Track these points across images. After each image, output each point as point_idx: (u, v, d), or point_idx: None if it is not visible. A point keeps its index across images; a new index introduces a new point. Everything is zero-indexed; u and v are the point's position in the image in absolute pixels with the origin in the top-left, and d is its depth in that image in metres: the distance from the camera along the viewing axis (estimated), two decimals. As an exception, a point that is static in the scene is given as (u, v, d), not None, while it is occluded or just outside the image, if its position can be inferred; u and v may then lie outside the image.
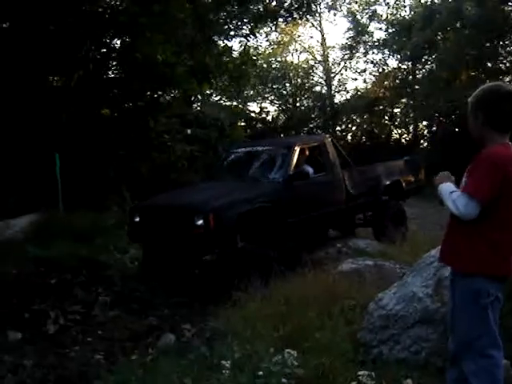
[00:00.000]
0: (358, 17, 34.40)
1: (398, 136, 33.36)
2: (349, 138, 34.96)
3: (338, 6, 35.61)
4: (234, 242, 7.86)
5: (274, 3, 16.22)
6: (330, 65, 37.03)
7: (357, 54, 35.19)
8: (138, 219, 8.58)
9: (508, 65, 25.91)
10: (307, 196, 9.06)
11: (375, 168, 11.31)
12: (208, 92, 23.77)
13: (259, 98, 37.51)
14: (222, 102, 28.50)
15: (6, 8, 13.08)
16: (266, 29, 27.69)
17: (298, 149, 9.36)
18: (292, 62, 38.26)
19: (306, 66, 38.05)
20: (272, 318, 5.46)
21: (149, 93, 16.18)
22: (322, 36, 36.42)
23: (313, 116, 36.12)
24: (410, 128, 32.58)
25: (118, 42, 16.11)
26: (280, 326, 5.16)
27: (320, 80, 37.67)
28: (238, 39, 18.80)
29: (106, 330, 6.51)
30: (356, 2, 35.00)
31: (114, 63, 16.44)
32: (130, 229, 8.89)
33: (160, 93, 16.69)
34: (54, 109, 14.36)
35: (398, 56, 31.44)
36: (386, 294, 5.07)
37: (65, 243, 9.08)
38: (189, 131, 16.91)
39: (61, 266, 8.44)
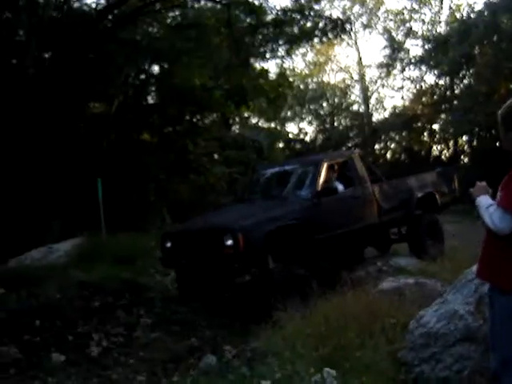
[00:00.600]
0: (394, 34, 34.38)
1: (437, 152, 33.03)
2: (388, 155, 34.75)
3: (373, 25, 35.64)
4: (265, 262, 7.83)
5: (308, 24, 16.27)
6: (367, 83, 37.03)
7: (393, 72, 35.11)
8: (169, 245, 8.57)
9: (546, 77, 25.52)
10: (336, 212, 8.96)
11: (407, 181, 11.01)
12: (246, 114, 23.95)
13: (297, 119, 37.68)
14: (259, 124, 28.67)
15: (48, 38, 13.45)
16: (301, 50, 27.90)
17: (325, 165, 9.23)
18: (329, 82, 38.40)
19: (342, 86, 38.10)
20: (312, 337, 5.44)
21: (187, 117, 16.42)
22: (358, 55, 36.49)
23: (351, 135, 36.07)
24: (450, 144, 32.22)
25: (156, 68, 16.44)
26: (320, 346, 5.13)
27: (357, 99, 37.68)
28: (275, 61, 18.94)
29: (147, 352, 6.55)
30: (391, 20, 34.98)
31: (153, 89, 16.74)
32: (163, 255, 8.85)
33: (198, 116, 16.92)
34: (95, 135, 14.72)
35: (436, 72, 31.21)
36: (427, 312, 5.01)
37: (107, 266, 9.22)
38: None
39: (103, 288, 8.56)
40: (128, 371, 5.99)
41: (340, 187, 9.34)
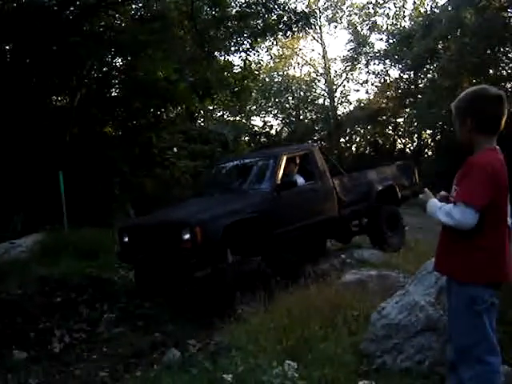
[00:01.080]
0: (359, 28, 34.69)
1: (402, 146, 33.42)
2: (353, 148, 35.05)
3: (338, 19, 35.85)
4: (224, 256, 7.76)
5: (273, 17, 16.25)
6: (332, 77, 37.27)
7: (358, 66, 35.46)
8: (126, 239, 8.40)
9: (510, 71, 25.94)
10: (296, 205, 8.88)
11: (367, 174, 11.09)
12: (211, 108, 23.88)
13: (262, 113, 37.77)
14: (225, 117, 28.61)
15: (8, 29, 13.20)
16: (266, 43, 27.83)
17: (284, 158, 9.17)
18: (294, 76, 38.55)
19: (308, 79, 38.30)
20: (275, 330, 5.46)
21: (151, 110, 16.27)
22: (323, 49, 36.75)
23: (316, 128, 36.29)
24: (414, 137, 32.60)
25: (120, 60, 16.25)
26: (283, 339, 5.15)
27: (322, 92, 37.92)
28: (239, 54, 18.88)
29: (110, 347, 6.51)
30: (356, 14, 35.25)
31: (116, 82, 16.56)
32: (120, 249, 8.67)
33: (163, 110, 16.79)
34: (57, 128, 14.50)
35: (400, 66, 31.57)
36: (389, 304, 5.05)
37: (69, 261, 9.09)
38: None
39: (66, 284, 8.44)
40: (91, 367, 5.95)
41: (300, 180, 9.33)
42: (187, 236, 7.35)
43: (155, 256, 7.86)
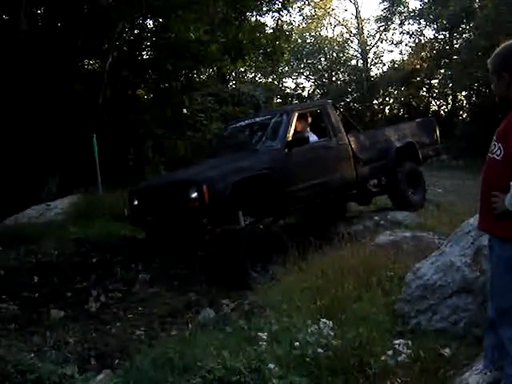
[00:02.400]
0: (393, -13, 33.83)
1: (436, 107, 32.88)
2: (386, 110, 34.61)
3: (372, -23, 35.08)
4: (235, 218, 7.64)
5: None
6: (366, 37, 36.65)
7: (392, 26, 34.77)
8: (136, 202, 8.34)
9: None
10: (309, 162, 8.63)
11: (385, 131, 10.82)
12: (242, 69, 23.72)
13: (294, 74, 37.43)
14: (256, 79, 28.42)
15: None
16: (298, 3, 27.52)
17: (296, 114, 8.92)
18: (327, 36, 38.02)
19: (340, 40, 37.75)
20: (309, 290, 5.48)
21: (183, 72, 16.20)
22: (357, 8, 36.11)
23: (349, 90, 35.80)
24: (449, 99, 32.04)
25: (151, 22, 16.17)
26: (317, 299, 5.17)
27: (355, 53, 37.37)
28: (271, 15, 18.65)
29: (146, 307, 6.58)
30: (391, -27, 34.38)
31: (148, 44, 16.51)
32: (130, 213, 8.56)
33: (194, 72, 16.71)
34: (90, 91, 14.55)
35: (435, 26, 30.88)
36: (424, 264, 5.01)
37: (104, 223, 9.24)
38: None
39: (100, 245, 8.58)
40: (126, 326, 6.01)
41: (313, 137, 9.08)
42: (194, 194, 7.23)
43: (164, 217, 7.78)
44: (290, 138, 8.52)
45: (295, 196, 8.27)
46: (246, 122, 10.21)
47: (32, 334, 5.54)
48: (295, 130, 8.77)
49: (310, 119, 9.38)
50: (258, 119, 9.91)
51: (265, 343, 4.17)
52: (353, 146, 9.48)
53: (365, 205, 11.02)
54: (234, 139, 10.13)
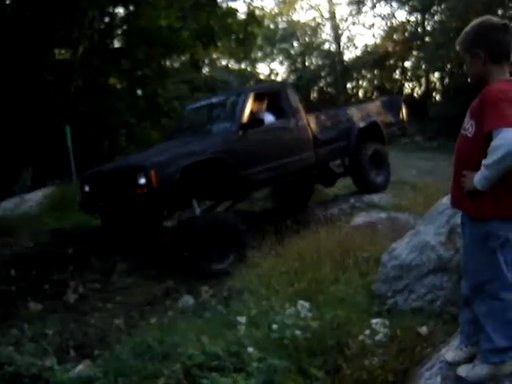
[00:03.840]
0: (364, -30, 33.77)
1: (409, 90, 33.00)
2: (360, 94, 34.68)
3: (342, -40, 35.03)
4: (187, 204, 7.54)
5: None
6: (338, 21, 36.53)
7: (364, 9, 34.65)
8: (87, 188, 8.08)
9: (518, 10, 25.37)
10: (265, 144, 8.40)
11: (347, 110, 10.46)
12: (215, 56, 23.60)
13: (268, 60, 37.31)
14: (230, 65, 28.32)
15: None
16: (270, -12, 27.42)
17: (251, 95, 8.64)
18: (299, 21, 37.85)
19: (313, 24, 37.59)
20: (286, 274, 5.51)
21: (156, 60, 16.10)
22: (329, -8, 35.89)
23: (323, 74, 35.77)
24: (422, 81, 32.17)
25: (122, 10, 16.02)
26: (295, 282, 5.19)
27: (328, 37, 37.25)
28: (243, 0, 18.58)
29: (124, 296, 6.59)
30: (361, -45, 34.30)
31: (119, 32, 16.37)
32: (82, 199, 8.28)
33: (167, 59, 16.62)
34: (61, 81, 14.39)
35: (407, 8, 30.90)
36: (399, 244, 5.05)
37: (79, 214, 9.13)
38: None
39: (77, 236, 8.53)
40: (105, 316, 6.02)
41: (269, 118, 8.84)
42: (143, 180, 7.01)
43: (114, 204, 7.60)
44: (245, 120, 8.28)
45: (252, 179, 8.07)
46: (204, 103, 9.92)
47: (10, 327, 5.49)
48: (251, 111, 8.52)
49: (266, 100, 9.11)
50: (214, 100, 9.63)
51: (243, 327, 4.19)
52: (312, 126, 9.27)
53: (329, 186, 10.89)
54: (190, 121, 9.95)
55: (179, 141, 8.75)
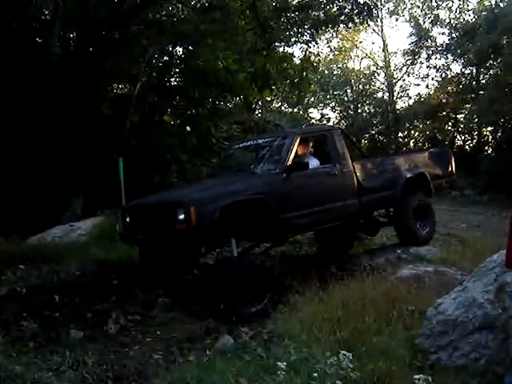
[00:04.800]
0: (421, 21, 34.01)
1: (461, 142, 32.72)
2: (411, 144, 34.54)
3: (399, 11, 35.33)
4: (224, 242, 7.53)
5: (334, 9, 16.14)
6: (392, 71, 36.77)
7: (419, 60, 34.81)
8: (128, 219, 8.08)
9: None
10: (308, 189, 8.27)
11: (394, 160, 10.27)
12: (269, 99, 23.85)
13: (320, 105, 37.66)
14: (282, 108, 28.58)
15: (72, 17, 13.52)
16: (327, 35, 27.75)
17: (298, 139, 8.54)
18: (353, 69, 38.25)
19: (367, 72, 37.96)
20: (329, 321, 5.45)
21: (210, 99, 16.36)
22: (384, 42, 36.27)
23: (374, 122, 35.85)
24: (474, 134, 31.87)
25: (180, 49, 16.39)
26: (337, 330, 5.14)
27: (382, 86, 37.51)
28: (299, 46, 18.79)
29: (164, 331, 6.56)
30: (418, 7, 34.61)
31: (177, 70, 16.73)
32: (122, 230, 8.27)
33: (221, 99, 16.87)
34: (118, 115, 14.74)
35: (462, 61, 30.87)
36: (446, 299, 4.99)
37: (126, 246, 9.24)
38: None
39: (122, 267, 8.62)
40: (145, 349, 6.01)
41: (314, 163, 8.78)
42: (182, 216, 6.96)
43: (153, 237, 7.54)
44: (290, 163, 8.16)
45: (292, 223, 7.92)
46: (250, 142, 9.84)
47: (51, 353, 5.55)
48: (296, 154, 8.45)
49: (313, 144, 9.11)
50: (261, 141, 9.47)
51: (283, 373, 4.16)
52: (358, 173, 9.12)
53: (372, 235, 10.74)
54: (234, 160, 9.91)
55: (222, 179, 8.78)
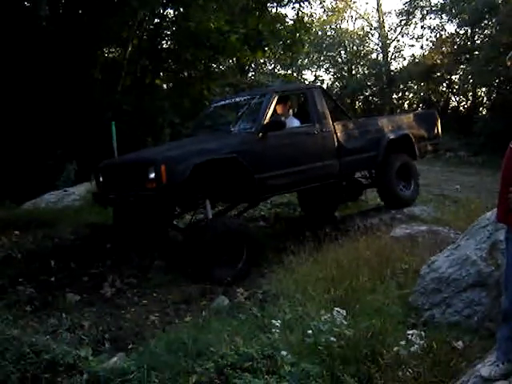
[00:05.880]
0: (415, -19, 33.54)
1: (456, 103, 32.58)
2: (405, 105, 34.39)
3: (394, -30, 34.84)
4: (200, 201, 7.44)
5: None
6: (386, 31, 36.39)
7: (414, 20, 34.47)
8: (101, 179, 7.94)
9: None
10: (286, 149, 8.03)
11: (377, 121, 9.96)
12: (262, 61, 23.66)
13: (314, 66, 37.31)
14: (276, 70, 28.37)
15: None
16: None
17: (276, 97, 8.23)
18: (347, 29, 37.81)
19: (361, 33, 37.52)
20: (323, 281, 5.50)
21: (202, 62, 16.21)
22: (378, 2, 35.78)
23: (368, 84, 35.58)
24: (469, 95, 31.73)
25: (171, 11, 16.17)
26: (331, 289, 5.18)
27: (376, 47, 37.17)
28: (292, 6, 18.53)
29: (160, 293, 6.60)
30: (413, -34, 34.09)
31: (168, 33, 16.54)
32: (96, 189, 8.16)
33: (213, 62, 16.71)
34: (109, 80, 14.61)
35: (457, 21, 30.55)
36: (439, 257, 5.02)
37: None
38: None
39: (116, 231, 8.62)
40: (141, 311, 6.05)
41: (293, 122, 8.58)
42: (152, 175, 6.80)
43: (124, 196, 7.41)
44: (266, 122, 7.91)
45: (268, 183, 7.73)
46: (228, 101, 9.57)
47: (48, 317, 5.60)
48: (275, 113, 8.23)
49: (293, 104, 8.88)
50: (239, 99, 9.19)
51: (278, 331, 4.20)
52: (339, 134, 8.88)
53: (354, 200, 10.59)
54: (212, 119, 9.59)
55: (198, 138, 8.61)
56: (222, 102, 9.67)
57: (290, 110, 8.90)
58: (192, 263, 6.98)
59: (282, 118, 8.19)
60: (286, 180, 8.00)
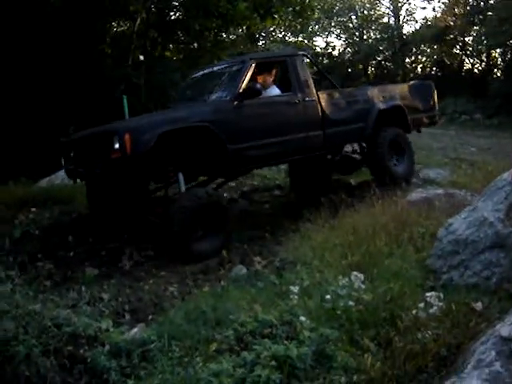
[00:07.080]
0: None
1: (470, 66, 32.18)
2: (419, 69, 34.04)
3: None
4: (167, 175, 7.22)
5: None
6: (398, -6, 35.85)
7: (425, -19, 33.89)
8: (72, 153, 7.65)
9: None
10: (264, 118, 7.67)
11: (367, 91, 9.52)
12: (271, 28, 23.45)
13: (325, 33, 36.92)
14: (286, 38, 28.13)
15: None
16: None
17: (253, 64, 7.82)
18: (358, -6, 37.26)
19: (372, -3, 37.00)
20: (340, 247, 5.50)
21: (212, 32, 16.10)
22: (389, -37, 35.19)
23: (380, 48, 35.21)
24: (483, 57, 31.31)
25: (179, -20, 16.04)
26: (348, 255, 5.18)
27: (387, 10, 36.63)
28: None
29: (178, 265, 6.65)
30: None
31: (176, 4, 16.41)
32: (66, 164, 7.85)
33: (223, 31, 16.59)
34: (119, 53, 14.56)
35: (469, -20, 30.05)
36: (457, 219, 4.98)
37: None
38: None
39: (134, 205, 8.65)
40: (160, 282, 6.11)
41: (273, 91, 8.25)
42: (117, 145, 6.49)
43: (91, 169, 7.07)
44: (242, 90, 7.51)
45: (244, 154, 7.39)
46: (206, 71, 9.06)
47: (67, 291, 5.63)
48: (254, 81, 7.81)
49: (276, 73, 8.54)
50: (215, 68, 8.85)
51: (296, 297, 4.22)
52: (323, 103, 8.41)
53: (347, 174, 10.03)
54: (190, 90, 9.17)
55: (173, 108, 8.35)
56: (201, 72, 9.21)
57: (273, 79, 8.52)
58: (168, 240, 6.79)
59: (258, 86, 7.65)
60: (265, 151, 7.64)
